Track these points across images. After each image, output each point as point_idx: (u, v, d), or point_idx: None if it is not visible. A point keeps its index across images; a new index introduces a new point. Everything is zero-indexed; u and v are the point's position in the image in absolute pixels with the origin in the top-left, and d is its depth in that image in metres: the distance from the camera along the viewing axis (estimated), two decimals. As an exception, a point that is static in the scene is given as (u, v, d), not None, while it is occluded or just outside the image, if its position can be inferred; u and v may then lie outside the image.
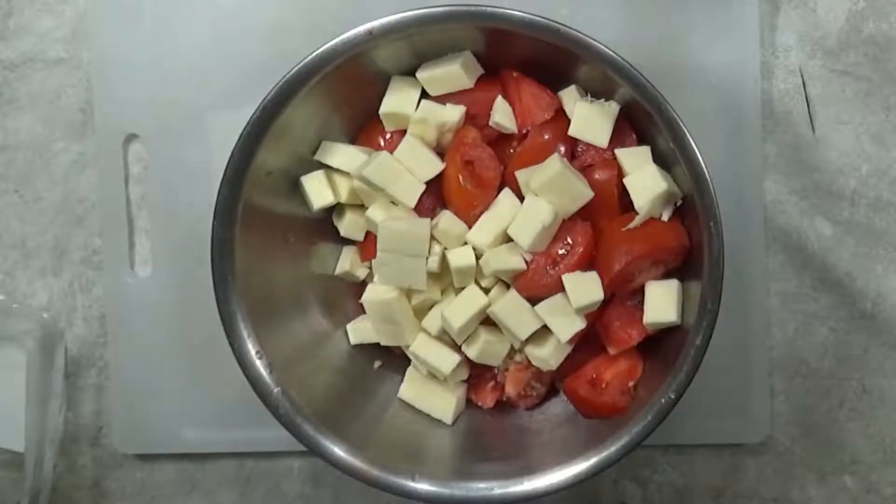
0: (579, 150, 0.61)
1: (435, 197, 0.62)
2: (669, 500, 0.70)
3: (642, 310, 0.59)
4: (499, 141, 0.62)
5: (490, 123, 0.62)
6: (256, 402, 0.59)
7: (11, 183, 0.70)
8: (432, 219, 0.61)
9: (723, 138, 0.67)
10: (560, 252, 0.60)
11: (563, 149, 0.61)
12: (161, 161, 0.68)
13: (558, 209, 0.58)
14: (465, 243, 0.61)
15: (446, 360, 0.62)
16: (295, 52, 0.57)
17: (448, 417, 0.64)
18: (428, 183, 0.61)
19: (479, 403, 0.65)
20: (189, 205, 0.68)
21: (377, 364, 0.66)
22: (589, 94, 0.60)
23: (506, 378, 0.64)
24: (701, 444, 0.69)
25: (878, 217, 0.68)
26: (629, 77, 0.56)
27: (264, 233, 0.61)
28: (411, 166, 0.61)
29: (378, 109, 0.62)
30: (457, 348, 0.62)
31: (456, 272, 0.61)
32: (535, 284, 0.60)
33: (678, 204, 0.60)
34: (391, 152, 0.61)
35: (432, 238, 0.61)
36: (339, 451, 0.59)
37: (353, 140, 0.64)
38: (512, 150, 0.62)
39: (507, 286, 0.61)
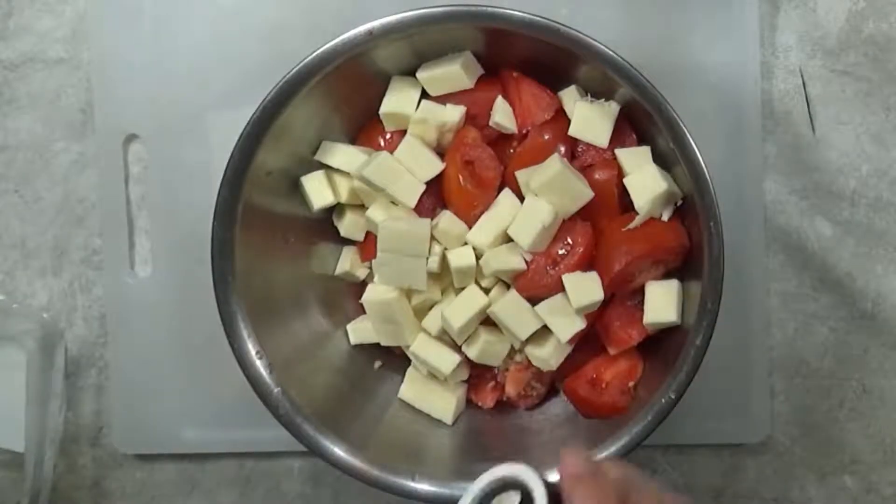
0: (579, 150, 0.61)
1: (435, 197, 0.62)
2: (669, 499, 0.70)
3: (642, 310, 0.59)
4: (499, 141, 0.62)
5: (490, 123, 0.62)
6: (256, 402, 0.59)
7: (11, 183, 0.70)
8: (432, 219, 0.61)
9: (723, 138, 0.67)
10: (560, 252, 0.60)
11: (563, 149, 0.61)
12: (161, 161, 0.68)
13: (558, 209, 0.58)
14: (466, 243, 0.61)
15: (446, 361, 0.62)
16: (295, 52, 0.57)
17: (448, 417, 0.64)
18: (428, 183, 0.61)
19: (480, 403, 0.65)
20: (189, 205, 0.68)
21: (377, 364, 0.66)
22: (589, 94, 0.60)
23: (506, 378, 0.64)
24: (701, 444, 0.69)
25: (878, 217, 0.68)
26: (629, 77, 0.56)
27: (264, 233, 0.61)
28: (411, 166, 0.61)
29: (378, 109, 0.62)
30: (457, 348, 0.62)
31: (456, 272, 0.61)
32: (536, 284, 0.60)
33: (678, 204, 0.60)
34: (391, 152, 0.61)
35: (432, 238, 0.61)
36: (339, 451, 0.59)
37: (353, 140, 0.64)
38: (512, 150, 0.62)
39: (508, 286, 0.61)
